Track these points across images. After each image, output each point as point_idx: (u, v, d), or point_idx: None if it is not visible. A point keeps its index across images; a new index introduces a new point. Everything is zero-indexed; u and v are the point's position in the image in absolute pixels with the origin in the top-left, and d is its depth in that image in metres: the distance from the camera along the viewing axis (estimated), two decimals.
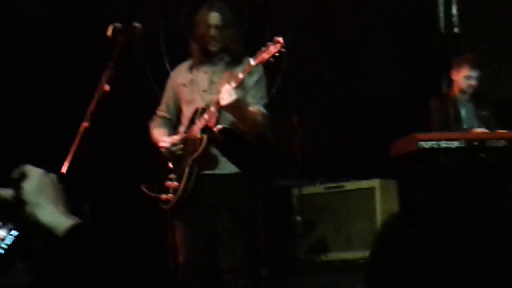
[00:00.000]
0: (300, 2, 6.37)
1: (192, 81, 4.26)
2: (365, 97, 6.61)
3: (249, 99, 4.18)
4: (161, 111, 4.44)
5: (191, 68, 4.29)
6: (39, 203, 1.36)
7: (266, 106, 4.22)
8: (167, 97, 4.43)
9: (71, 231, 1.33)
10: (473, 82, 5.67)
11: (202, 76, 4.25)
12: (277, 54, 3.82)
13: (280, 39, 3.81)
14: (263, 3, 6.41)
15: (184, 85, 4.29)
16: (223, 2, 4.34)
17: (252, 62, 3.89)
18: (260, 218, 4.08)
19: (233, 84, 3.93)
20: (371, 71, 6.84)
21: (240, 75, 3.93)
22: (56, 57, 5.83)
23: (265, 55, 3.83)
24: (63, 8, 6.10)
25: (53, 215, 1.36)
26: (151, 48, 5.72)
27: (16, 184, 1.39)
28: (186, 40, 4.43)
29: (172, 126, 4.40)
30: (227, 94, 3.91)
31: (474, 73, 5.66)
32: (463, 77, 5.68)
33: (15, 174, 1.42)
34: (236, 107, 3.99)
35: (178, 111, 4.36)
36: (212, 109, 4.03)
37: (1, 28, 5.84)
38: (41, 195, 1.38)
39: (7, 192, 1.39)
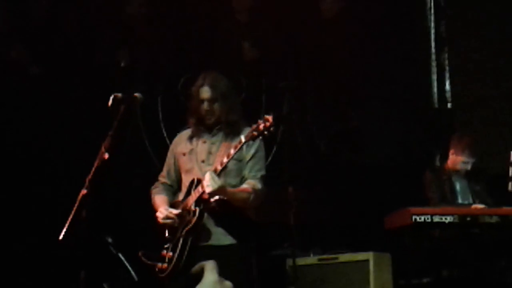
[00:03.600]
0: (298, 72, 6.49)
1: (191, 151, 4.27)
2: (359, 168, 6.67)
3: (246, 171, 4.20)
4: (162, 177, 4.46)
5: (191, 137, 4.32)
6: None
7: (262, 179, 4.22)
8: (168, 164, 4.45)
9: None
10: (468, 168, 5.89)
11: (201, 146, 4.26)
12: (265, 132, 3.78)
13: (270, 117, 3.76)
14: (259, 72, 6.52)
15: (183, 154, 4.30)
16: (217, 73, 4.32)
17: (243, 139, 3.86)
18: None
19: (225, 161, 3.91)
20: (365, 143, 6.91)
21: (232, 151, 3.92)
22: (57, 126, 5.89)
23: (254, 133, 3.80)
24: (63, 75, 6.18)
25: None
26: (149, 116, 5.79)
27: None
28: (184, 108, 4.46)
29: (173, 192, 4.40)
30: (211, 181, 3.89)
31: (471, 160, 5.87)
32: (461, 161, 5.88)
33: (196, 269, 1.24)
34: (222, 192, 3.97)
35: (179, 178, 4.37)
36: None
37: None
38: None
39: None
